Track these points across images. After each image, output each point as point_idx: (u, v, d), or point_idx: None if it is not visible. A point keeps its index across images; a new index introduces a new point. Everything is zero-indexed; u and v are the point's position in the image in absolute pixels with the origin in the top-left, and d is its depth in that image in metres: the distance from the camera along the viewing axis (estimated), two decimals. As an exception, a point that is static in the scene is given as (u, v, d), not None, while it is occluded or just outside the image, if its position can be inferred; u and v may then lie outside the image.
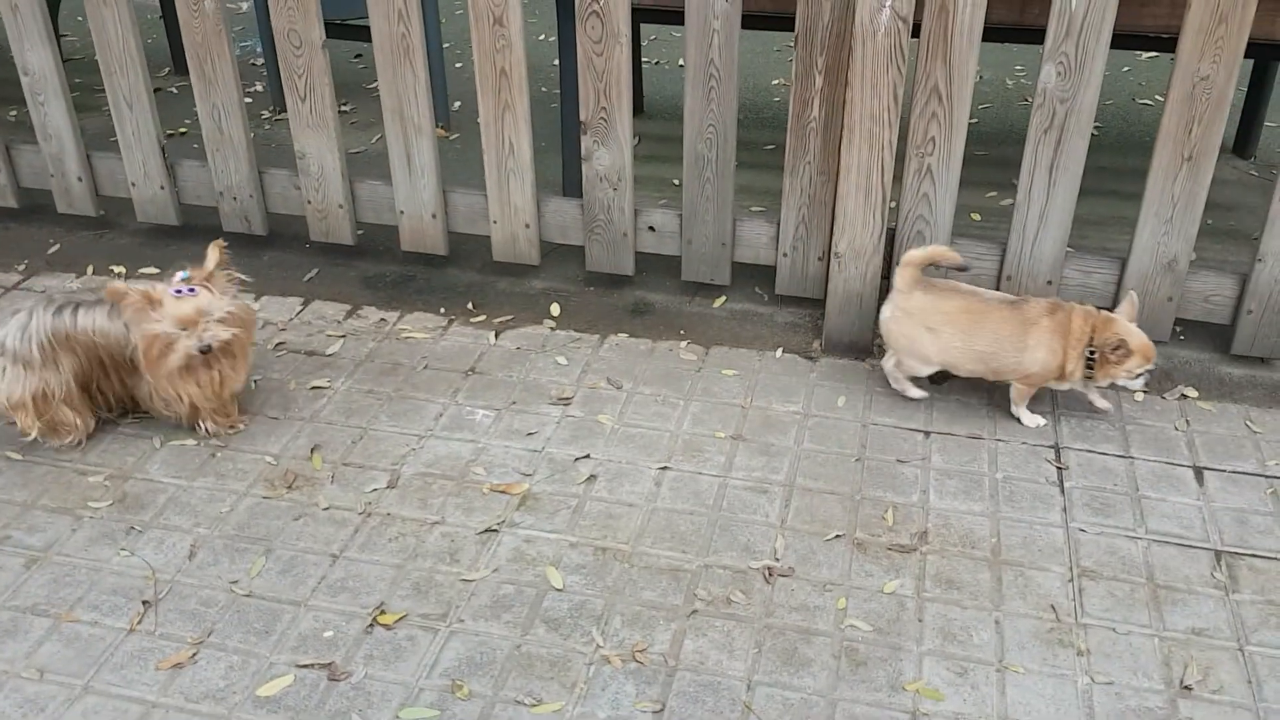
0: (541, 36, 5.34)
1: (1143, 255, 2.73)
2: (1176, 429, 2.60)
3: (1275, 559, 2.23)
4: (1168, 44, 2.73)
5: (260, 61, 4.84)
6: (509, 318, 3.05)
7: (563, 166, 3.56)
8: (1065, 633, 2.05)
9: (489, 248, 3.17)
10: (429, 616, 2.07)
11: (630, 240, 3.05)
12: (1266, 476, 2.46)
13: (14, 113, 4.20)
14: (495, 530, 2.28)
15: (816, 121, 2.76)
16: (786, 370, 2.82)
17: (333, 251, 3.36)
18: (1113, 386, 2.55)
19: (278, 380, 2.74)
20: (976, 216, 3.58)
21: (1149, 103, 4.64)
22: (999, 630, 2.06)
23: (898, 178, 2.72)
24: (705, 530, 2.29)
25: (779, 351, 2.90)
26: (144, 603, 2.10)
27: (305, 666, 1.97)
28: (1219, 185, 2.97)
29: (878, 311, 2.85)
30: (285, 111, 3.15)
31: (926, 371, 2.62)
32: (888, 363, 2.69)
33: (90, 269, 3.27)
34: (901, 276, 2.58)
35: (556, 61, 3.87)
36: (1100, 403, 2.63)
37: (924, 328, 2.56)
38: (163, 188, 3.30)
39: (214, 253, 2.41)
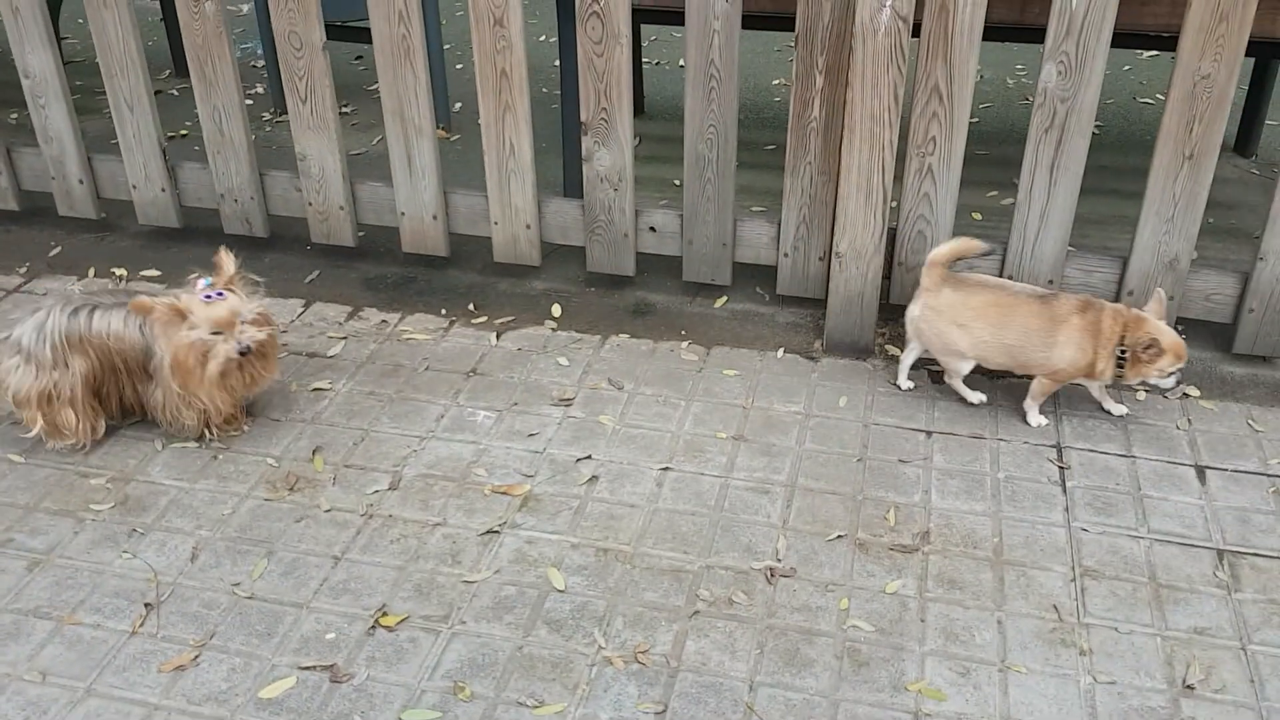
0: (542, 37, 5.34)
1: (1144, 254, 2.73)
2: (1178, 428, 2.60)
3: (1277, 558, 2.22)
4: (1168, 43, 2.72)
5: (261, 63, 4.84)
6: (510, 319, 3.05)
7: (563, 167, 3.56)
8: (1068, 632, 2.05)
9: (490, 249, 3.17)
10: (431, 618, 2.07)
11: (631, 241, 3.05)
12: (1268, 475, 2.45)
13: (15, 115, 4.21)
14: (497, 531, 2.28)
15: (817, 121, 2.76)
16: (788, 370, 2.82)
17: (334, 253, 3.36)
18: (1143, 385, 2.53)
19: (279, 382, 2.74)
20: (978, 216, 3.58)
21: (1150, 101, 4.63)
22: (1001, 630, 2.05)
23: (898, 177, 2.72)
24: (707, 531, 2.29)
25: (780, 352, 2.90)
26: (146, 605, 2.10)
27: (307, 668, 1.97)
28: (1220, 184, 2.98)
29: (879, 311, 2.86)
30: (286, 113, 3.16)
31: (967, 368, 2.62)
32: (907, 358, 2.71)
33: (91, 271, 3.28)
34: (928, 275, 2.57)
35: (557, 62, 3.87)
36: (1116, 408, 2.63)
37: (954, 324, 2.55)
38: (164, 190, 3.30)
39: (229, 257, 2.41)
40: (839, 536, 2.27)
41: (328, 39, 2.99)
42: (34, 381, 2.38)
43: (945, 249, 2.55)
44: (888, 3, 2.49)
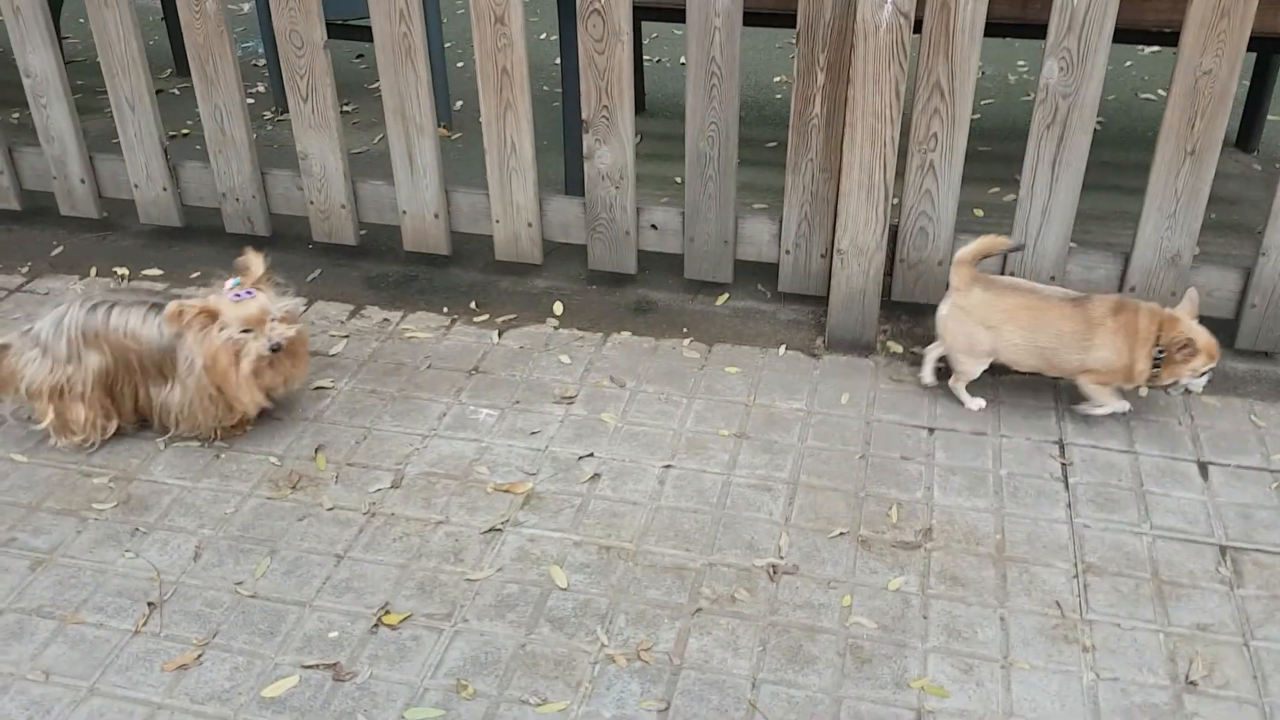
0: (543, 35, 5.34)
1: (1146, 250, 2.73)
2: (1180, 424, 2.60)
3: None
4: (1170, 38, 2.72)
5: (262, 62, 4.84)
6: (512, 317, 3.05)
7: (565, 165, 3.56)
8: (1070, 629, 2.05)
9: (491, 247, 3.17)
10: (434, 616, 2.08)
11: (633, 238, 3.05)
12: (1271, 471, 2.45)
13: (16, 115, 4.21)
14: (499, 529, 2.28)
15: (818, 118, 2.76)
16: (790, 367, 2.82)
17: (335, 252, 3.37)
18: (1175, 386, 2.52)
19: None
20: (979, 212, 3.58)
21: (1151, 97, 4.63)
22: (1004, 627, 2.05)
23: (900, 174, 2.72)
24: (709, 528, 2.29)
25: (782, 349, 2.90)
26: (149, 604, 2.10)
27: (310, 667, 1.97)
28: (1222, 179, 2.97)
29: (880, 308, 2.86)
30: (287, 112, 3.16)
31: (978, 371, 2.60)
32: (932, 353, 2.70)
33: (93, 271, 3.28)
34: (957, 274, 2.55)
35: (558, 60, 3.87)
36: (1118, 405, 2.62)
37: (983, 325, 2.53)
38: (165, 189, 3.31)
39: (257, 258, 2.43)
40: (841, 533, 2.27)
41: (329, 37, 2.99)
42: (48, 374, 2.40)
43: (971, 247, 2.53)
44: (889, -1, 2.48)
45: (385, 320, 3.04)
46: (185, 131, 4.21)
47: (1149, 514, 2.33)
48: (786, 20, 2.79)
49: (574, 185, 3.40)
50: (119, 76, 3.15)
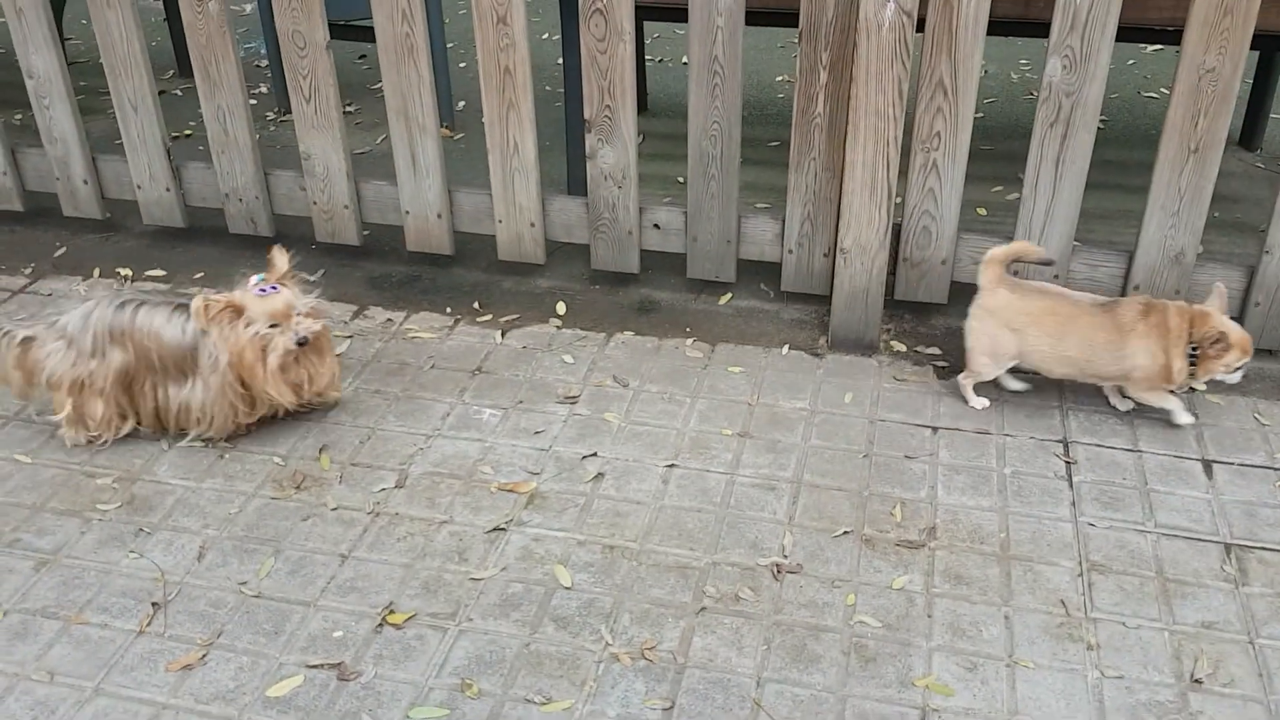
0: (545, 35, 5.34)
1: (1150, 248, 2.72)
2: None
3: (1285, 552, 2.22)
4: (1173, 37, 2.72)
5: (265, 63, 4.84)
6: (515, 317, 3.05)
7: (567, 165, 3.56)
8: (1075, 627, 2.05)
9: (494, 247, 3.18)
10: (438, 616, 2.08)
11: (635, 238, 3.05)
12: (1275, 469, 2.45)
13: (19, 116, 4.22)
14: (503, 529, 2.28)
15: (821, 117, 2.76)
16: (793, 367, 2.82)
17: (338, 252, 3.37)
18: (1210, 383, 2.50)
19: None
20: (983, 211, 3.58)
21: (1154, 96, 4.62)
22: (1008, 625, 2.05)
23: (903, 173, 2.71)
24: (713, 527, 2.29)
25: (785, 348, 2.90)
26: (153, 604, 2.10)
27: (315, 667, 1.97)
28: (1225, 178, 2.97)
29: (884, 307, 2.86)
30: (290, 113, 3.16)
31: (994, 373, 2.59)
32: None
33: (97, 272, 3.28)
34: (985, 274, 2.53)
35: (560, 60, 3.87)
36: (1121, 404, 2.62)
37: (1006, 327, 2.52)
38: (168, 190, 3.31)
39: (282, 255, 2.44)
40: (845, 532, 2.27)
41: (331, 38, 2.99)
42: (70, 368, 2.42)
43: (1004, 249, 2.52)
44: (891, -2, 2.48)
45: (389, 320, 3.04)
46: (188, 132, 4.22)
47: (1153, 512, 2.33)
48: (789, 19, 2.79)
49: (577, 185, 3.40)
50: (122, 77, 3.15)
